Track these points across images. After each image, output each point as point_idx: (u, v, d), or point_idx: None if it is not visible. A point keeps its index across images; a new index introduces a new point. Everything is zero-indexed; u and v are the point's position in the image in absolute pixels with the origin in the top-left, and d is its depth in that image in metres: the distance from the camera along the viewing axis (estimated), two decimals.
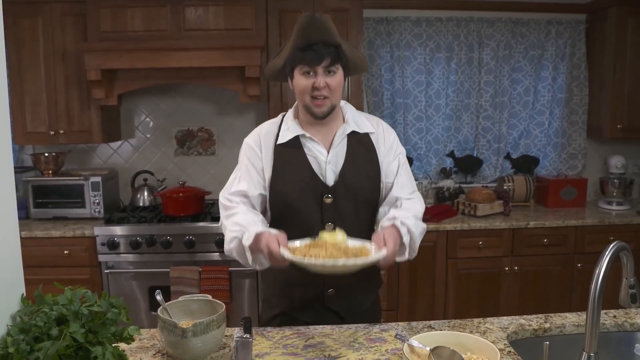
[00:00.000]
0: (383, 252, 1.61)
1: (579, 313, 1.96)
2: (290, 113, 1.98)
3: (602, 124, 3.99)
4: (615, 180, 3.96)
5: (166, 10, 3.43)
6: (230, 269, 3.30)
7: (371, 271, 1.99)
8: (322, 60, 1.76)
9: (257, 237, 1.69)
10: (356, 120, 1.95)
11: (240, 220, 1.79)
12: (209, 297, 1.72)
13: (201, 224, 3.39)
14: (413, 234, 1.79)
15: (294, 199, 1.86)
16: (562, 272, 3.63)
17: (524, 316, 1.92)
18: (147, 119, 4.03)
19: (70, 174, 3.70)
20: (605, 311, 1.95)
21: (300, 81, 1.81)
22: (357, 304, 2.01)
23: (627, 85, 3.83)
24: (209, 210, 3.67)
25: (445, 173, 4.09)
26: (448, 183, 4.01)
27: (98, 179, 3.61)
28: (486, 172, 4.20)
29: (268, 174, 1.89)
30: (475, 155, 4.19)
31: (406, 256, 1.81)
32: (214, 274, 3.27)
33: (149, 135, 4.04)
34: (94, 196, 3.59)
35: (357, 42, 3.55)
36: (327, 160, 1.87)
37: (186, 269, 3.27)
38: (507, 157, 4.20)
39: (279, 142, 1.89)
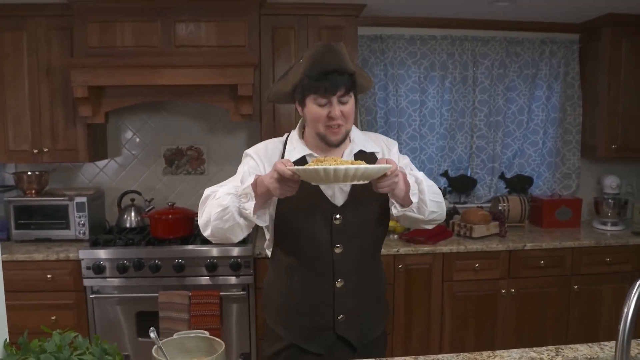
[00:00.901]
0: (389, 165, 1.61)
1: (590, 345, 1.87)
2: (295, 133, 1.93)
3: (597, 143, 3.95)
4: (610, 201, 3.92)
5: (157, 25, 3.32)
6: (221, 293, 3.17)
7: (380, 296, 2.01)
8: (337, 91, 1.73)
9: (257, 178, 1.68)
10: (362, 140, 1.93)
11: (234, 184, 1.76)
12: (207, 333, 1.60)
13: (191, 246, 3.26)
14: (420, 183, 1.79)
15: (302, 221, 1.81)
16: (559, 293, 3.56)
17: (534, 348, 1.83)
18: (135, 137, 3.90)
19: (54, 194, 3.55)
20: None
21: (314, 110, 1.76)
22: (368, 331, 1.95)
23: (621, 105, 3.81)
24: (199, 232, 3.53)
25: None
26: None
27: (83, 199, 3.47)
28: (480, 192, 4.14)
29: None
30: (469, 174, 4.13)
31: (415, 200, 1.77)
32: (204, 299, 3.14)
33: (136, 154, 3.91)
34: (79, 217, 3.45)
35: (351, 60, 3.47)
36: None
37: (175, 293, 3.14)
38: (502, 176, 4.14)
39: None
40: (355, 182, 1.59)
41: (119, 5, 3.27)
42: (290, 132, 1.96)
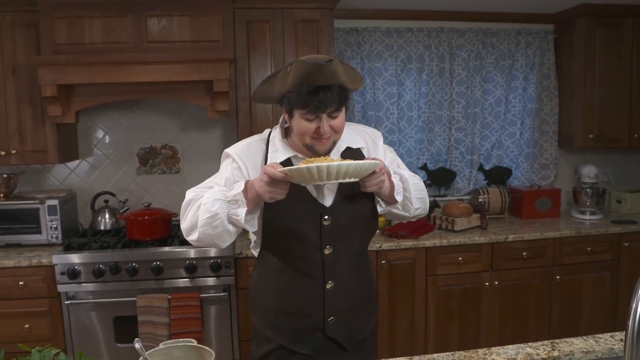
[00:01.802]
0: (377, 161, 1.62)
1: (585, 338, 1.85)
2: (277, 133, 1.85)
3: (573, 134, 3.97)
4: (588, 190, 3.95)
5: (127, 20, 3.21)
6: (201, 295, 3.09)
7: (370, 296, 1.97)
8: (327, 108, 1.64)
9: (246, 183, 1.66)
10: (347, 135, 1.85)
11: (219, 189, 1.72)
12: (194, 342, 1.53)
13: (168, 248, 3.16)
14: (405, 181, 1.83)
15: (291, 223, 1.75)
16: (541, 284, 3.57)
17: (530, 344, 1.80)
18: (107, 136, 3.78)
19: (23, 197, 3.41)
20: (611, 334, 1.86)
21: (301, 125, 1.68)
22: (358, 331, 1.91)
23: (597, 96, 3.83)
24: (177, 233, 3.45)
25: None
26: None
27: (55, 201, 3.34)
28: (460, 185, 4.12)
29: None
30: (448, 167, 4.11)
31: (399, 199, 1.82)
32: (184, 302, 3.05)
33: (108, 154, 3.79)
34: (51, 221, 3.33)
35: (327, 54, 3.42)
36: None
37: (154, 296, 3.04)
38: (480, 168, 4.14)
39: (269, 162, 1.76)
40: (345, 180, 1.58)
41: (86, 0, 3.15)
42: (271, 130, 1.88)
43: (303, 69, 1.61)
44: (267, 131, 1.90)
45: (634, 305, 1.32)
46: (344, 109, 1.72)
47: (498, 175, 4.10)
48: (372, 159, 1.65)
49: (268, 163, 1.75)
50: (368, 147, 1.90)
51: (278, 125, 1.87)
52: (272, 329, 1.87)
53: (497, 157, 4.19)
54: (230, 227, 1.69)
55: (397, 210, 1.86)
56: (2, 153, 3.30)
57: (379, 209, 1.85)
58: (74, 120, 3.29)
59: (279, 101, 1.76)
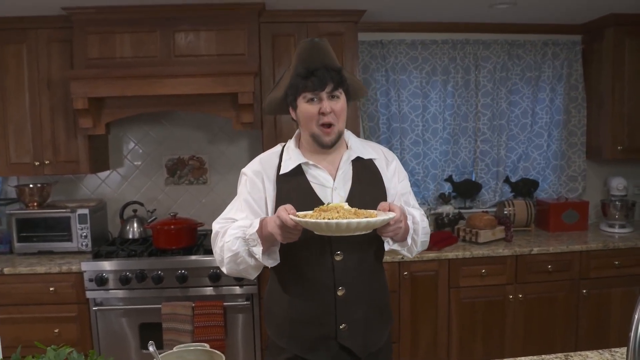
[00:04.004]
0: (391, 214, 1.62)
1: (601, 351, 1.84)
2: (291, 143, 1.94)
3: (602, 145, 3.91)
4: (617, 203, 3.87)
5: (156, 35, 3.31)
6: (224, 303, 3.15)
7: (382, 304, 1.98)
8: (325, 85, 1.75)
9: (262, 222, 1.69)
10: (359, 146, 1.93)
11: (240, 224, 1.77)
12: (207, 346, 1.57)
13: (194, 257, 3.24)
14: (417, 225, 1.84)
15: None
16: (568, 298, 3.52)
17: (543, 356, 1.80)
18: (136, 148, 3.89)
19: (56, 206, 3.54)
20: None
21: (305, 109, 1.79)
22: (372, 341, 1.91)
23: (626, 106, 3.77)
24: (202, 242, 3.53)
25: (444, 198, 3.98)
26: (447, 209, 3.90)
27: (85, 210, 3.45)
28: (485, 197, 4.10)
29: (271, 205, 1.84)
30: (473, 179, 4.10)
31: (408, 244, 1.83)
32: (207, 310, 3.12)
33: (138, 164, 3.90)
34: (81, 229, 3.44)
35: (352, 67, 3.46)
36: (333, 186, 1.84)
37: (178, 304, 3.12)
38: (506, 180, 4.12)
39: (281, 172, 1.84)
40: (359, 233, 1.61)
41: (117, 17, 3.27)
42: (285, 143, 1.97)
43: (298, 51, 1.79)
44: (279, 145, 1.99)
45: (636, 316, 1.32)
46: (343, 95, 1.82)
47: (524, 188, 4.06)
48: (388, 206, 1.68)
49: (281, 172, 1.84)
50: (380, 159, 1.95)
51: (293, 137, 1.96)
52: (287, 338, 1.89)
53: (524, 169, 4.15)
54: (253, 262, 1.76)
55: (402, 250, 1.89)
56: (36, 163, 3.43)
57: (386, 247, 1.87)
58: (105, 132, 3.40)
59: (285, 100, 1.86)
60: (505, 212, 3.85)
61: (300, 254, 1.81)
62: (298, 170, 1.84)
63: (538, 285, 3.49)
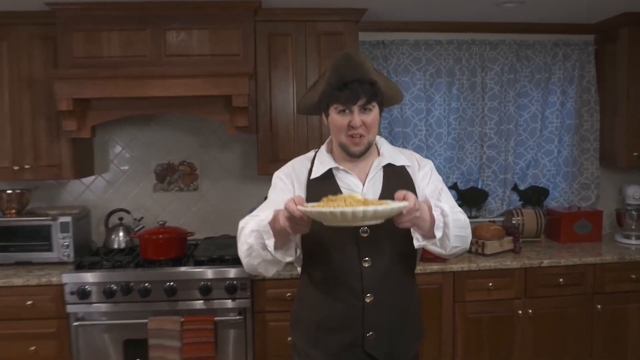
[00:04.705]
0: (404, 203, 1.63)
1: None
2: (323, 148, 2.06)
3: (616, 151, 3.88)
4: (633, 212, 3.84)
5: (146, 34, 3.28)
6: (216, 318, 3.09)
7: (414, 316, 2.04)
8: (358, 99, 1.83)
9: (276, 214, 1.73)
10: (391, 153, 2.04)
11: (259, 219, 1.85)
12: None
13: (183, 268, 3.18)
14: (447, 217, 1.79)
15: (328, 235, 1.86)
16: (581, 314, 3.46)
17: None
18: (124, 152, 3.85)
19: (36, 214, 3.49)
20: None
21: (336, 119, 1.89)
22: (399, 351, 1.97)
23: None
24: (192, 252, 3.47)
25: (455, 202, 3.93)
26: None
27: (68, 218, 3.40)
28: (492, 206, 4.06)
29: None
30: (480, 187, 4.06)
31: (438, 236, 1.79)
32: (197, 325, 3.06)
33: (125, 170, 3.86)
34: (63, 238, 3.39)
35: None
36: (362, 192, 1.93)
37: (166, 319, 3.06)
38: (515, 188, 4.08)
39: (312, 176, 1.98)
40: (371, 223, 1.61)
41: (105, 13, 3.24)
42: (319, 148, 2.09)
43: (334, 62, 1.86)
44: (313, 151, 2.12)
45: None
46: (377, 108, 1.89)
47: (534, 196, 4.02)
48: (403, 195, 1.67)
49: (312, 176, 1.98)
50: (413, 167, 2.03)
51: (325, 142, 2.09)
52: (313, 344, 1.97)
53: (533, 176, 4.11)
54: (268, 256, 1.81)
55: (434, 246, 1.84)
56: (15, 168, 3.38)
57: (415, 244, 1.85)
58: (90, 135, 3.35)
59: (319, 104, 1.95)
60: (513, 222, 3.81)
61: (329, 258, 1.89)
62: (328, 175, 1.96)
63: (549, 300, 3.44)
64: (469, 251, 3.61)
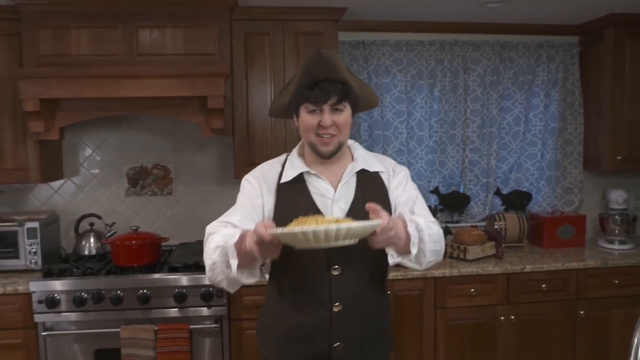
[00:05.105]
0: (378, 221, 1.60)
1: None
2: (294, 151, 2.03)
3: (601, 155, 3.93)
4: (617, 217, 3.89)
5: (117, 32, 3.25)
6: (191, 326, 3.08)
7: (382, 326, 2.02)
8: (328, 99, 1.82)
9: (243, 235, 1.70)
10: (365, 159, 2.00)
11: (226, 232, 1.82)
12: None
13: (157, 275, 3.17)
14: (422, 232, 1.79)
15: None
16: (564, 320, 3.51)
17: None
18: (94, 155, 3.81)
19: (1, 219, 3.44)
20: None
21: (305, 119, 1.86)
22: None
23: (626, 113, 3.80)
24: (166, 259, 3.45)
25: (430, 211, 3.95)
26: None
27: (35, 224, 3.36)
28: (474, 210, 4.09)
29: (268, 215, 1.91)
30: (462, 191, 4.09)
31: (413, 253, 1.77)
32: (172, 333, 3.04)
33: (96, 173, 3.82)
34: (30, 244, 3.34)
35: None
36: (334, 198, 1.91)
37: (140, 328, 3.04)
38: (497, 192, 4.11)
39: (282, 180, 1.95)
40: (344, 243, 1.57)
41: (73, 9, 3.20)
42: (290, 152, 2.07)
43: (305, 60, 1.84)
44: (284, 154, 2.09)
45: (635, 339, 1.31)
46: (349, 109, 1.88)
47: (517, 200, 4.06)
48: (377, 210, 1.65)
49: (282, 181, 1.95)
50: (388, 173, 2.02)
51: (297, 146, 2.08)
52: (278, 355, 1.96)
53: (516, 180, 4.16)
54: (230, 275, 1.77)
55: (410, 262, 1.84)
56: None
57: (390, 260, 1.82)
58: (59, 137, 3.31)
59: (289, 106, 1.94)
60: (495, 227, 3.85)
61: (297, 266, 1.87)
62: (299, 180, 1.94)
63: (531, 306, 3.47)
64: (451, 256, 3.64)
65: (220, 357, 3.19)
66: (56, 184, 3.79)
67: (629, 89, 3.78)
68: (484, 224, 4.03)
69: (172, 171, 3.87)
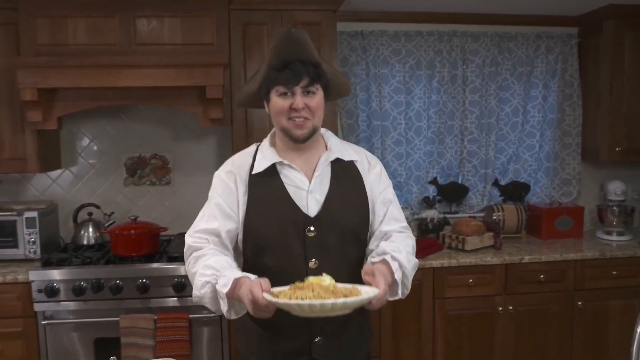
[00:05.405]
0: (375, 291, 1.58)
1: None
2: (266, 141, 1.95)
3: (599, 146, 3.96)
4: (615, 208, 3.92)
5: (114, 21, 3.26)
6: (190, 315, 3.10)
7: (361, 318, 1.96)
8: (300, 80, 1.75)
9: (236, 283, 1.64)
10: (339, 148, 1.93)
11: (213, 263, 1.73)
12: None
13: (156, 264, 3.20)
14: (405, 270, 1.80)
15: (272, 234, 1.80)
16: (562, 311, 3.55)
17: None
18: (92, 144, 3.83)
19: (0, 209, 3.46)
20: None
21: (276, 103, 1.79)
22: (349, 354, 1.93)
23: (625, 105, 3.82)
24: (165, 248, 3.47)
25: (428, 202, 3.99)
26: (432, 213, 3.91)
27: (34, 213, 3.39)
28: (473, 201, 4.12)
29: (242, 208, 1.84)
30: (460, 182, 4.12)
31: (399, 294, 1.81)
32: (171, 322, 3.07)
33: (94, 163, 3.84)
34: (29, 234, 3.37)
35: (330, 59, 3.45)
36: (309, 189, 1.84)
37: (139, 317, 3.07)
38: (495, 183, 4.14)
39: (253, 172, 1.85)
40: (337, 314, 1.55)
41: None
42: (260, 142, 1.98)
43: (274, 40, 1.78)
44: (254, 145, 1.99)
45: (638, 329, 1.33)
46: (321, 92, 1.81)
47: (515, 191, 4.09)
48: (372, 274, 1.65)
49: (253, 172, 1.86)
50: (362, 162, 1.96)
51: (268, 135, 1.97)
52: (256, 353, 1.90)
53: (514, 171, 4.19)
54: (217, 309, 1.74)
55: (394, 298, 1.83)
56: None
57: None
58: (56, 127, 3.34)
59: (259, 92, 1.85)
60: (494, 218, 3.88)
61: (272, 260, 1.81)
62: (272, 171, 1.85)
63: (529, 297, 3.51)
64: (449, 247, 3.68)
65: (219, 346, 3.22)
66: (54, 173, 3.80)
67: (628, 80, 3.80)
68: (482, 215, 4.07)
69: (170, 161, 3.89)
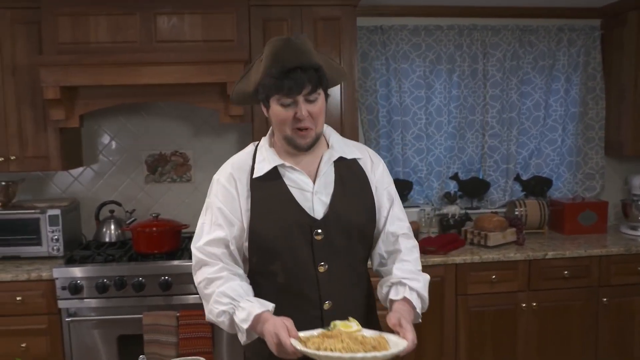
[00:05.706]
0: (403, 343, 1.56)
1: None
2: (264, 142, 1.90)
3: (623, 140, 3.94)
4: None
5: (135, 18, 3.29)
6: None
7: (371, 315, 1.97)
8: (302, 89, 1.70)
9: (258, 320, 1.64)
10: (341, 145, 1.91)
11: (228, 291, 1.72)
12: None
13: (177, 262, 3.23)
14: (423, 297, 1.81)
15: (279, 239, 1.77)
16: (586, 307, 3.53)
17: None
18: (113, 142, 3.87)
19: (23, 207, 3.50)
20: None
21: (279, 112, 1.74)
22: None
23: None
24: (186, 246, 3.50)
25: (449, 198, 3.99)
26: (453, 209, 3.91)
27: (57, 211, 3.43)
28: (494, 196, 4.11)
29: (246, 214, 1.80)
30: (481, 177, 4.12)
31: (419, 320, 1.83)
32: (193, 319, 3.09)
33: (115, 160, 3.88)
34: (52, 231, 3.41)
35: (350, 54, 3.46)
36: (313, 190, 1.81)
37: (161, 314, 3.10)
38: (517, 178, 4.13)
39: (255, 175, 1.82)
40: None
41: None
42: (259, 142, 1.94)
43: (271, 49, 1.70)
44: (251, 145, 1.96)
45: None
46: (322, 95, 1.77)
47: (537, 186, 4.08)
48: (399, 322, 1.63)
49: (254, 176, 1.82)
50: (365, 160, 1.94)
51: (267, 135, 1.94)
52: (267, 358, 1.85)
53: (536, 166, 4.17)
54: (232, 331, 1.76)
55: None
56: (0, 159, 3.39)
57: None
58: (78, 125, 3.38)
59: (255, 95, 1.81)
60: (516, 213, 3.87)
61: (280, 266, 1.79)
62: (274, 174, 1.82)
63: (553, 293, 3.50)
64: (471, 243, 3.68)
65: (240, 343, 3.24)
66: (76, 171, 3.84)
67: None
68: (503, 210, 4.06)
69: (190, 158, 3.92)
